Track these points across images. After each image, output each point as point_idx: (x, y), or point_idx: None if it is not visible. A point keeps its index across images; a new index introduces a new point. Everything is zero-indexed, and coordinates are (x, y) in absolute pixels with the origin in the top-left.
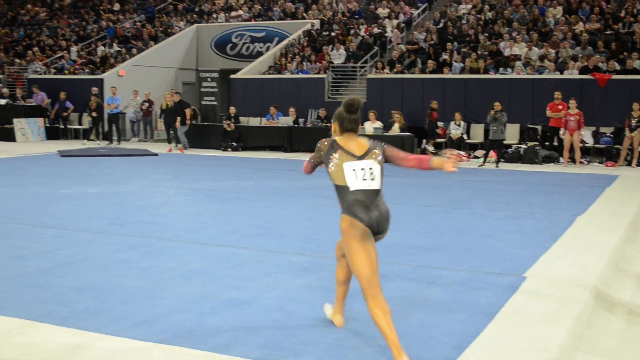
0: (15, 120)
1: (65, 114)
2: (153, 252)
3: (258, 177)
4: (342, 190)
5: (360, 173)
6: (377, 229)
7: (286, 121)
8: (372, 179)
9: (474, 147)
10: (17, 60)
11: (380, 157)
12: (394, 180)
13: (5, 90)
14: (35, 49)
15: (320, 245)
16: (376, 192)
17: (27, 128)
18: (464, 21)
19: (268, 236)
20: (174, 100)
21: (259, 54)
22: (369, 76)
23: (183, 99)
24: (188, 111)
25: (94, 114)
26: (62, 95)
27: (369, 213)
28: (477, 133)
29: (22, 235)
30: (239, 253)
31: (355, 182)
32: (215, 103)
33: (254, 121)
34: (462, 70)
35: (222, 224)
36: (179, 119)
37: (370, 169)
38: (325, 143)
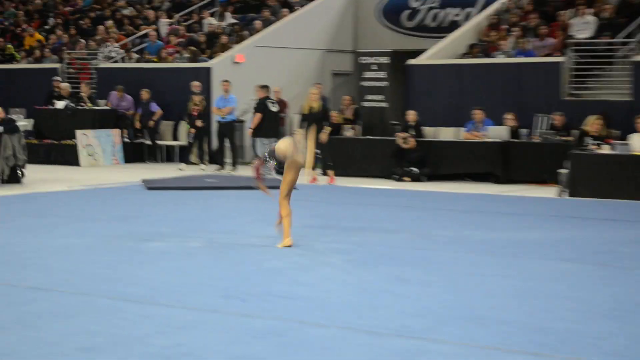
0: (78, 133)
1: (150, 122)
2: (294, 346)
3: (455, 224)
4: None
5: None
6: None
7: (498, 133)
8: None
9: None
10: (82, 40)
11: None
12: None
13: (64, 86)
14: (109, 23)
15: (573, 343)
16: None
17: (96, 145)
18: None
19: (478, 322)
20: (322, 101)
21: (454, 25)
22: (637, 58)
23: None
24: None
25: (197, 123)
26: (145, 94)
27: None
28: None
29: (93, 313)
30: (430, 348)
31: None
32: (383, 104)
33: (447, 133)
34: None
35: (401, 300)
36: (327, 129)
37: None
38: None
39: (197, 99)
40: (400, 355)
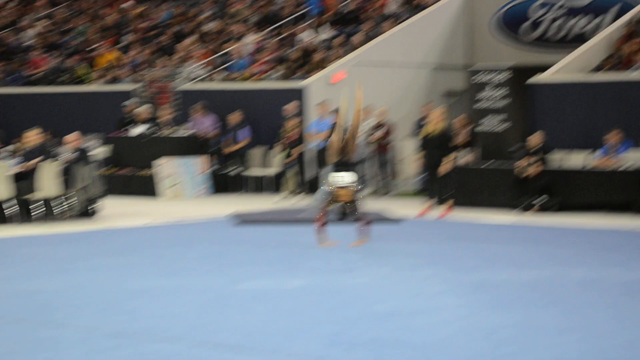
0: (159, 161)
1: (235, 147)
2: None
3: (589, 263)
4: None
5: None
6: None
7: (638, 158)
8: None
9: None
10: (161, 58)
11: None
12: None
13: (142, 110)
14: (191, 39)
15: None
16: None
17: (178, 174)
18: None
19: None
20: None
21: (581, 37)
22: None
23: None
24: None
25: (293, 151)
26: (235, 117)
27: None
28: None
29: None
30: None
31: None
32: (502, 127)
33: (577, 159)
34: None
35: (529, 348)
36: (451, 157)
37: None
38: None
39: (290, 124)
40: None
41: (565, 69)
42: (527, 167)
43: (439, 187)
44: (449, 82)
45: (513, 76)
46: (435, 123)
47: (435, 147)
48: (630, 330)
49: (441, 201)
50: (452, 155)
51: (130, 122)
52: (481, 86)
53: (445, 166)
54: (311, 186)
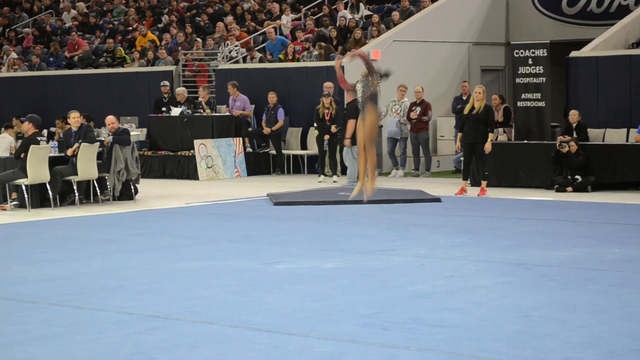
0: (196, 143)
1: (273, 128)
2: None
3: (627, 241)
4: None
5: None
6: None
7: None
8: None
9: None
10: (199, 39)
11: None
12: None
13: (180, 91)
14: (229, 19)
15: None
16: None
17: (215, 156)
18: None
19: None
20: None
21: (623, 10)
22: None
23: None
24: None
25: (332, 129)
26: (272, 97)
27: None
28: None
29: (218, 344)
30: None
31: None
32: (541, 104)
33: (616, 136)
34: None
35: (567, 328)
36: (490, 136)
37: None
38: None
39: (325, 101)
40: None
41: (605, 44)
42: (566, 144)
43: (478, 166)
44: (488, 59)
45: (553, 51)
46: (478, 100)
47: (477, 124)
48: None
49: (478, 180)
50: (494, 134)
51: (168, 103)
52: (521, 61)
53: (489, 144)
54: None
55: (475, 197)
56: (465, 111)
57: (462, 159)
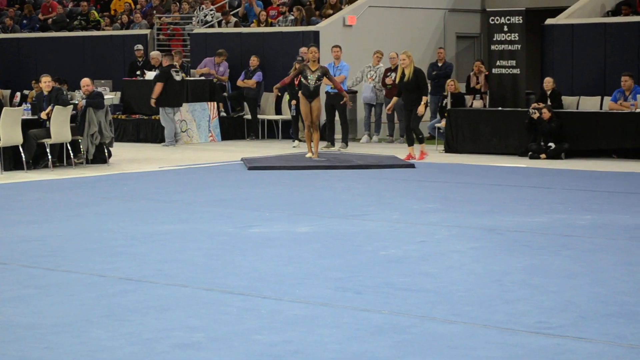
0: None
1: (246, 83)
2: (416, 343)
3: (599, 208)
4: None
5: None
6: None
7: None
8: None
9: None
10: (174, 2)
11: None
12: None
13: (155, 55)
14: None
15: None
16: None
17: (189, 120)
18: None
19: (627, 318)
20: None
21: None
22: None
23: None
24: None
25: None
26: (254, 60)
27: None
28: None
29: (190, 306)
30: (572, 347)
31: None
32: (516, 71)
33: (590, 103)
34: None
35: (539, 292)
36: (424, 99)
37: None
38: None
39: (298, 66)
40: (538, 354)
41: (580, 11)
42: (537, 110)
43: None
44: (463, 26)
45: (528, 19)
46: (405, 67)
47: (411, 92)
48: (638, 275)
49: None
50: (425, 98)
51: (142, 67)
52: (496, 28)
53: (421, 107)
54: (323, 131)
55: (450, 164)
56: (397, 80)
57: (436, 125)
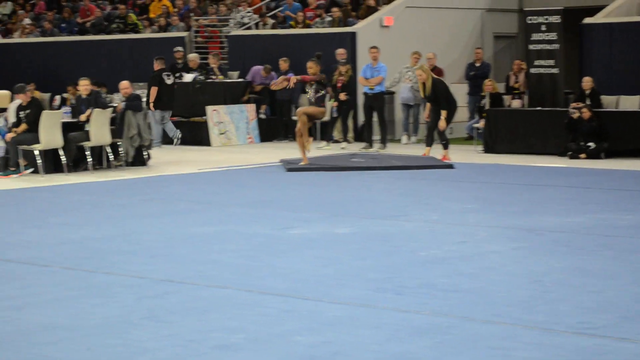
0: (209, 109)
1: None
2: (457, 344)
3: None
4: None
5: None
6: None
7: None
8: None
9: None
10: (211, 5)
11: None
12: None
13: (193, 57)
14: None
15: None
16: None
17: (228, 122)
18: None
19: None
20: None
21: None
22: None
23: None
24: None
25: (341, 96)
26: (284, 64)
27: None
28: None
29: (230, 308)
30: (614, 348)
31: None
32: (555, 71)
33: (630, 102)
34: None
35: (579, 293)
36: (443, 113)
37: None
38: None
39: (342, 68)
40: (578, 355)
41: (619, 10)
42: (577, 110)
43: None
44: (501, 25)
45: (566, 18)
46: (421, 82)
47: (434, 105)
48: None
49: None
50: (445, 112)
51: (180, 69)
52: (534, 28)
53: (442, 122)
54: (361, 132)
55: (489, 164)
56: (422, 95)
57: (475, 125)
